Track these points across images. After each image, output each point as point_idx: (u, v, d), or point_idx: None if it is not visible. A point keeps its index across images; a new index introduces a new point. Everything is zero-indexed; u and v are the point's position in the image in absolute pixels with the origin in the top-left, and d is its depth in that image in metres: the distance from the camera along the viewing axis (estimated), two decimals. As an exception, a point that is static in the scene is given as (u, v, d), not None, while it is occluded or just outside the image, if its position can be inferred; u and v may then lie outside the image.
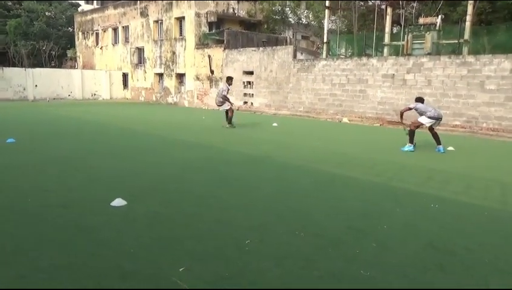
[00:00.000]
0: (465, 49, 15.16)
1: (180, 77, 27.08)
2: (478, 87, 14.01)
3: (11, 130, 12.16)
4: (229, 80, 13.78)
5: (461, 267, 3.62)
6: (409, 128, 9.75)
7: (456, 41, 15.87)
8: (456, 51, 15.90)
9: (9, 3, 41.92)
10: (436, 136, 9.68)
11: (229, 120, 13.46)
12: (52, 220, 4.54)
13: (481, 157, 9.46)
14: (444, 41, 16.58)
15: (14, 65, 35.00)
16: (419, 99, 9.92)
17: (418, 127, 9.68)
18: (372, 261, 3.67)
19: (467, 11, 15.47)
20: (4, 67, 28.49)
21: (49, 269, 3.38)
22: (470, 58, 14.26)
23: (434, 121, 9.51)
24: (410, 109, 9.71)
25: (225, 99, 13.37)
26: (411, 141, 9.62)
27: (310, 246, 3.98)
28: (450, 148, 9.99)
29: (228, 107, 13.45)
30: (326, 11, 20.31)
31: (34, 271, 3.34)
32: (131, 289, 3.12)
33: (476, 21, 17.20)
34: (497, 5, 18.92)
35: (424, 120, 9.49)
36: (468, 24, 15.18)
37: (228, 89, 13.49)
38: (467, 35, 15.15)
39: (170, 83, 27.59)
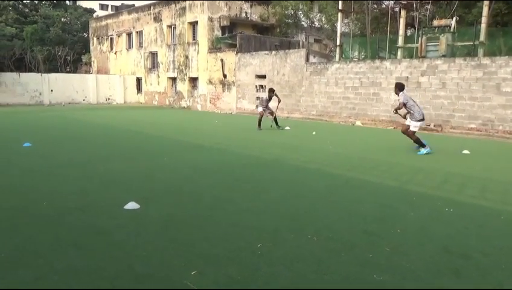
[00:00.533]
0: (480, 51, 14.95)
1: (193, 81, 27.25)
2: (494, 89, 13.79)
3: (28, 134, 12.37)
4: (270, 92, 15.15)
5: (477, 271, 3.55)
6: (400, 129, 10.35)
7: (471, 43, 15.68)
8: (471, 53, 15.69)
9: (26, 10, 42.78)
10: (414, 138, 9.67)
11: (258, 122, 14.60)
12: (67, 223, 4.60)
13: (497, 160, 9.30)
14: (458, 43, 16.39)
15: (30, 70, 35.65)
16: (402, 87, 9.68)
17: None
18: (385, 265, 3.63)
19: (482, 12, 15.27)
20: (21, 73, 29.07)
21: (64, 271, 3.42)
22: (486, 60, 14.05)
23: (421, 123, 9.56)
24: (405, 104, 9.46)
25: (263, 106, 14.89)
26: (421, 144, 9.51)
27: (323, 249, 3.95)
28: (466, 151, 9.86)
29: (260, 111, 14.85)
30: (339, 14, 20.26)
31: (49, 273, 3.39)
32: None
33: (491, 22, 16.95)
34: (513, 6, 18.62)
35: (413, 125, 9.51)
36: (483, 26, 14.97)
37: (267, 99, 14.99)
38: (482, 37, 14.95)
39: (183, 87, 27.78)
